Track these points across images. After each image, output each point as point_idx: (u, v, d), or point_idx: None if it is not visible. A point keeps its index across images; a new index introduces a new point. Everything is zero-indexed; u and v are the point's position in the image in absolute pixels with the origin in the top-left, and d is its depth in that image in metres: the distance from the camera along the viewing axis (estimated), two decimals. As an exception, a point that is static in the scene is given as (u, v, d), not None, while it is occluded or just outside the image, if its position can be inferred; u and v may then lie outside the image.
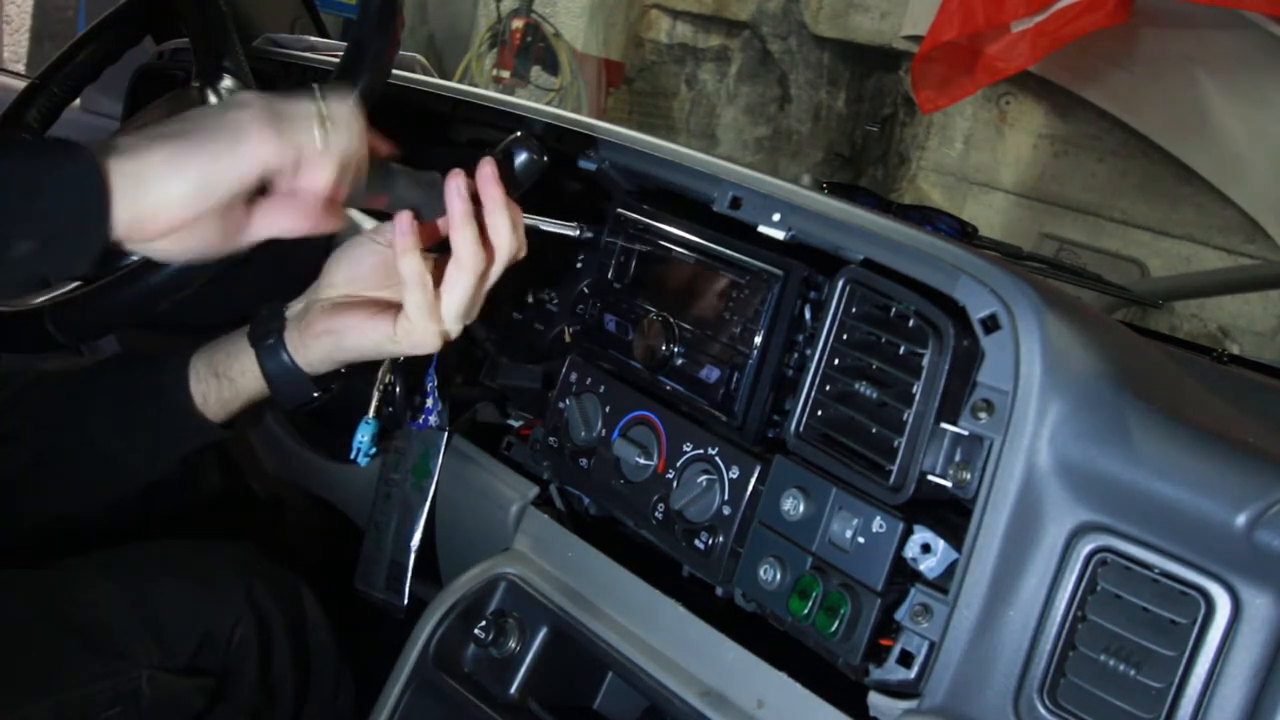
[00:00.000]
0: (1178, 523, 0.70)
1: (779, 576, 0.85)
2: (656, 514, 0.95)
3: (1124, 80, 4.23)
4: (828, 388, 0.85)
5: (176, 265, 0.97)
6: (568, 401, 1.04)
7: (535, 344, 1.19)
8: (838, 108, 5.95)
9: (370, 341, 0.91)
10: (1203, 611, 0.68)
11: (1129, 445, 0.72)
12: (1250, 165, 4.10)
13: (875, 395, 0.82)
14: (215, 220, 0.75)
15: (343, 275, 0.94)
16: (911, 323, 0.80)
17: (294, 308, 0.96)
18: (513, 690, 1.03)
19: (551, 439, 1.05)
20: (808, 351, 0.87)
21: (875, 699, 0.80)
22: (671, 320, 0.96)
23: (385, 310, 0.90)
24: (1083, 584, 0.73)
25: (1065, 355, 0.75)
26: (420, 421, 1.14)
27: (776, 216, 0.90)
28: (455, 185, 0.86)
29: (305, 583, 1.24)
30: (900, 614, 0.80)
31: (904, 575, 0.80)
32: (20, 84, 1.59)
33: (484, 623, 1.02)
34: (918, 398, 0.78)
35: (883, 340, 0.83)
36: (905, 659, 0.79)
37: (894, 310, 0.82)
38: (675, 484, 0.94)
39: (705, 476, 0.92)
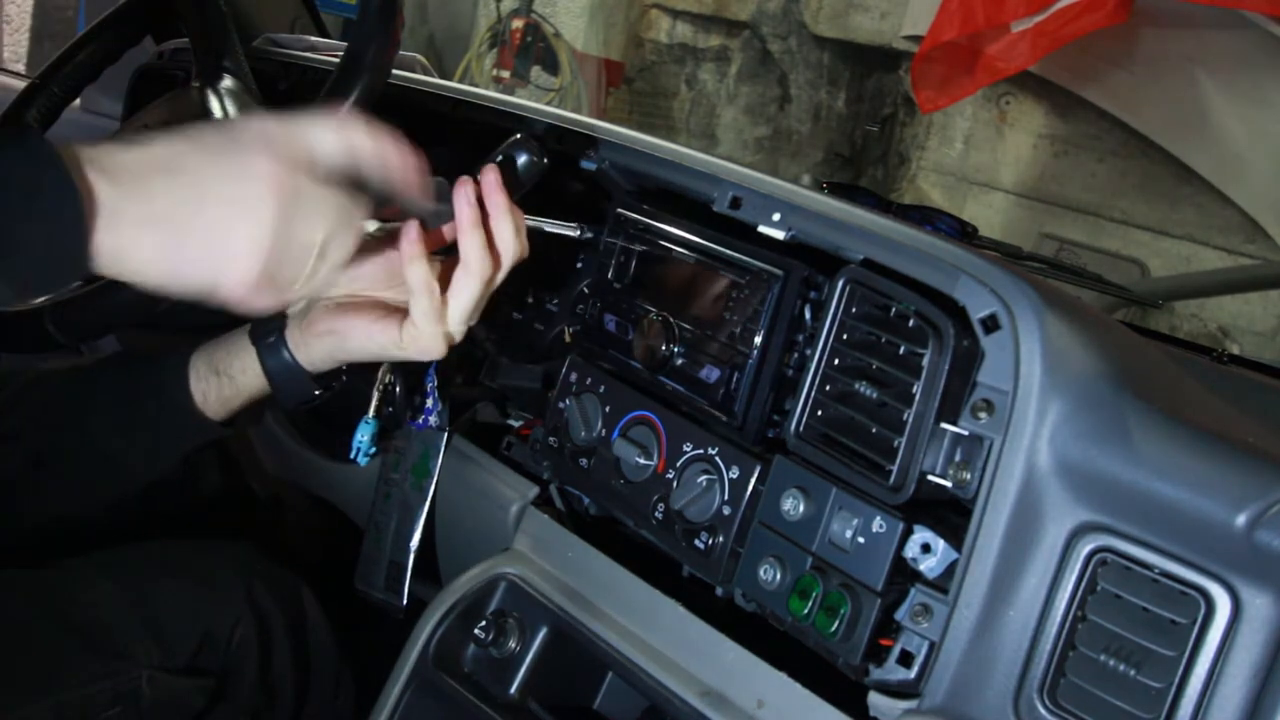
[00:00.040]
0: (1178, 523, 0.70)
1: (779, 576, 0.85)
2: (656, 514, 0.95)
3: (1124, 80, 4.23)
4: (828, 388, 0.85)
5: None
6: (568, 401, 1.04)
7: (535, 344, 1.19)
8: (838, 108, 5.95)
9: (376, 345, 0.91)
10: (1203, 611, 0.68)
11: (1129, 445, 0.72)
12: (1250, 165, 4.10)
13: (875, 395, 0.82)
14: None
15: (346, 275, 0.93)
16: (911, 323, 0.80)
17: (296, 305, 0.96)
18: (513, 690, 1.03)
19: (551, 439, 1.05)
20: (808, 351, 0.87)
21: (875, 699, 0.80)
22: (671, 320, 0.96)
23: (390, 314, 0.90)
24: (1083, 584, 0.73)
25: (1065, 355, 0.75)
26: (420, 421, 1.14)
27: (776, 216, 0.90)
28: (464, 193, 0.86)
29: (305, 583, 1.24)
30: (900, 614, 0.80)
31: (904, 575, 0.80)
32: (20, 84, 1.59)
33: (484, 623, 1.02)
34: (918, 398, 0.78)
35: (883, 340, 0.83)
36: (905, 659, 0.79)
37: (894, 310, 0.82)
38: (675, 484, 0.94)
39: (705, 476, 0.92)
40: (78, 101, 1.57)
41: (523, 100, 1.23)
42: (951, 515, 0.81)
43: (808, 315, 0.89)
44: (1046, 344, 0.74)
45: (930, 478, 0.78)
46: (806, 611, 0.82)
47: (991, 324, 0.77)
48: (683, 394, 0.95)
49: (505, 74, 5.75)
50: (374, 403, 1.06)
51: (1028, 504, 0.75)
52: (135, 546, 1.14)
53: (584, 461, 1.02)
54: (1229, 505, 0.67)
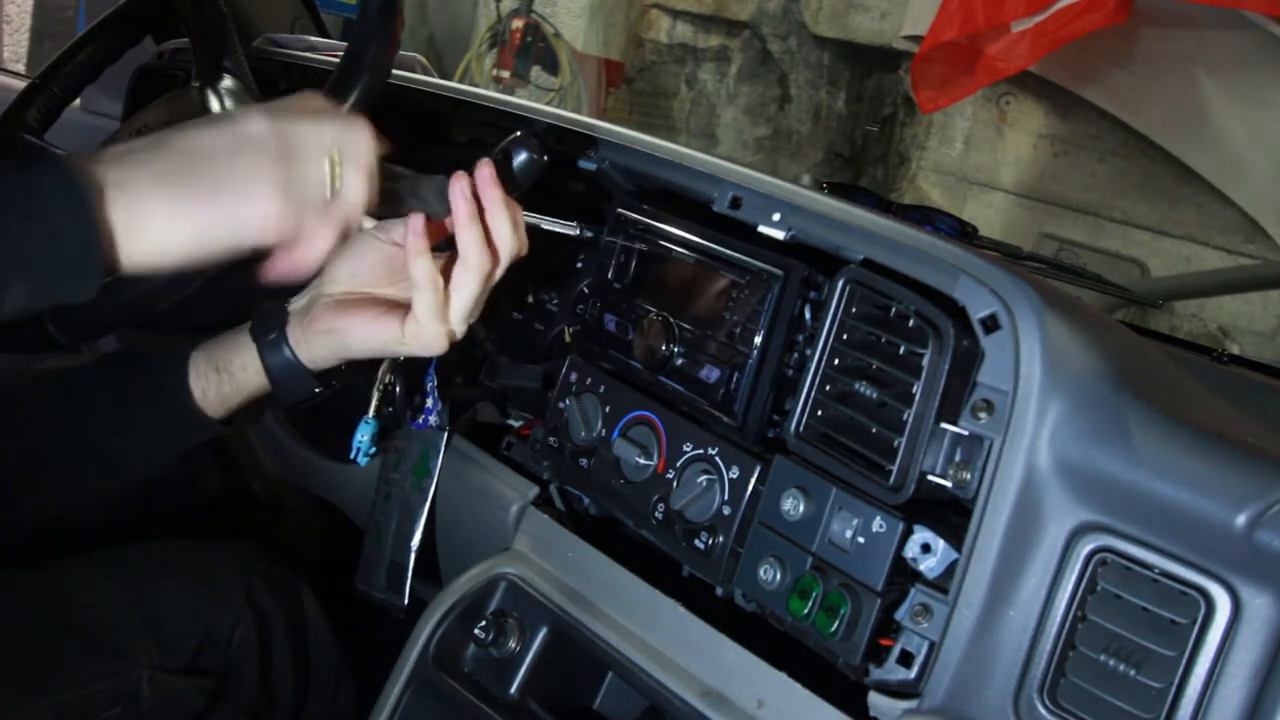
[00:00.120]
0: (1178, 523, 0.70)
1: (779, 576, 0.85)
2: (656, 514, 0.95)
3: (1124, 80, 4.23)
4: (828, 388, 0.85)
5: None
6: (568, 401, 1.04)
7: (535, 344, 1.19)
8: (838, 108, 5.95)
9: (378, 341, 0.91)
10: (1203, 611, 0.68)
11: (1129, 445, 0.72)
12: (1250, 165, 4.10)
13: (875, 395, 0.82)
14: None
15: (346, 271, 0.93)
16: (911, 323, 0.80)
17: (296, 303, 0.96)
18: (513, 690, 1.03)
19: (551, 439, 1.06)
20: (808, 351, 0.87)
21: (875, 699, 0.80)
22: (671, 320, 0.96)
23: (391, 310, 0.90)
24: (1083, 584, 0.73)
25: (1065, 355, 0.75)
26: (420, 421, 1.14)
27: (776, 216, 0.90)
28: (460, 188, 0.86)
29: (305, 583, 1.24)
30: (900, 614, 0.80)
31: (904, 575, 0.80)
32: (20, 84, 1.59)
33: (484, 623, 1.02)
34: (918, 398, 0.78)
35: (883, 340, 0.83)
36: (905, 659, 0.79)
37: (894, 310, 0.82)
38: (675, 484, 0.94)
39: (705, 476, 0.92)
40: (78, 101, 1.56)
41: (523, 100, 1.23)
42: (951, 515, 0.81)
43: (808, 315, 0.89)
44: (1046, 344, 0.74)
45: (930, 478, 0.78)
46: (806, 611, 0.82)
47: (991, 324, 0.77)
48: (683, 394, 0.95)
49: (505, 74, 5.75)
50: (374, 403, 1.06)
51: (1028, 504, 0.75)
52: (135, 546, 1.14)
53: (584, 461, 1.02)
54: (1229, 505, 0.67)
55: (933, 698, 0.77)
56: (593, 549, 1.03)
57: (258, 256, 0.81)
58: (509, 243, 0.88)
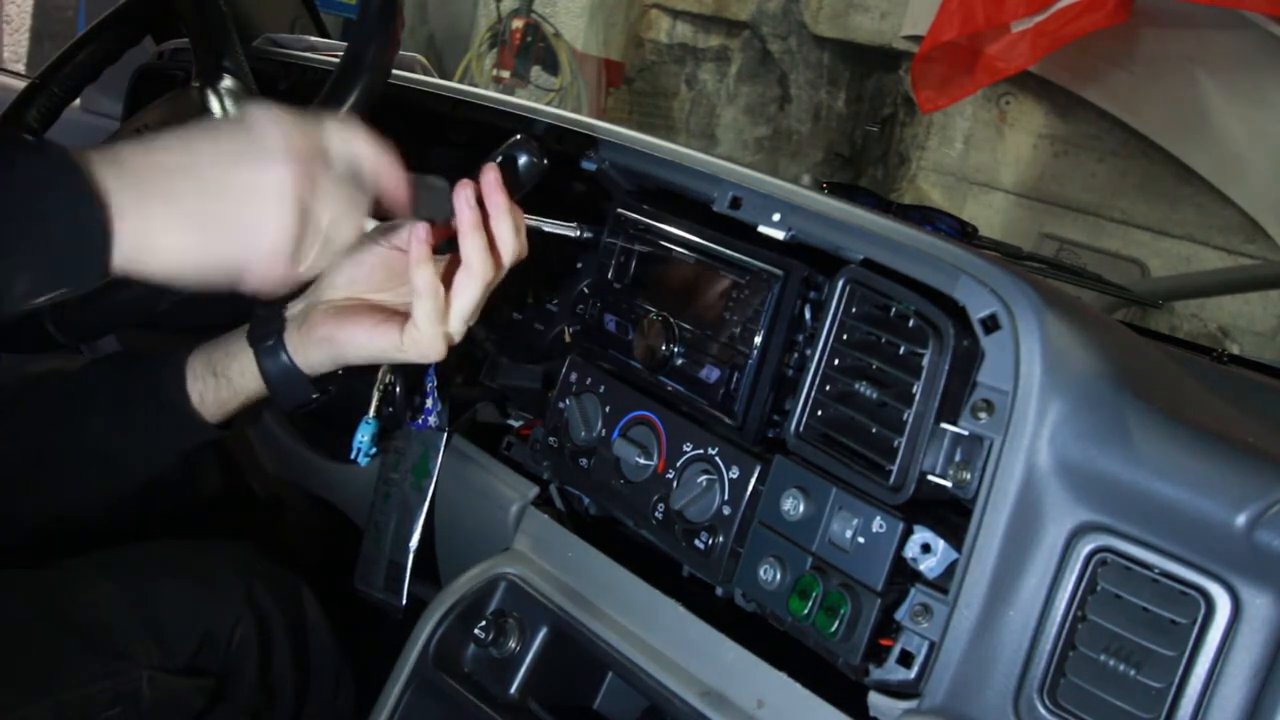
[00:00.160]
0: (1178, 523, 0.70)
1: (779, 576, 0.85)
2: (656, 514, 0.95)
3: (1124, 80, 4.23)
4: (828, 388, 0.85)
5: None
6: (568, 401, 1.04)
7: (535, 344, 1.19)
8: (838, 108, 5.95)
9: (377, 349, 0.91)
10: (1203, 611, 0.68)
11: (1129, 445, 0.72)
12: (1250, 165, 4.10)
13: (875, 395, 0.82)
14: None
15: (344, 277, 0.93)
16: (911, 323, 0.80)
17: (293, 308, 0.96)
18: (513, 690, 1.03)
19: (551, 439, 1.05)
20: (808, 351, 0.87)
21: (875, 699, 0.80)
22: (671, 320, 0.96)
23: (390, 318, 0.90)
24: (1083, 584, 0.73)
25: (1065, 355, 0.75)
26: (420, 421, 1.14)
27: (776, 216, 0.90)
28: (465, 195, 0.86)
29: (305, 583, 1.24)
30: (900, 614, 0.80)
31: (904, 575, 0.80)
32: (20, 84, 1.59)
33: (484, 623, 1.02)
34: (918, 398, 0.78)
35: (883, 340, 0.83)
36: (905, 659, 0.79)
37: (894, 310, 0.82)
38: (675, 484, 0.94)
39: (705, 476, 0.92)
40: (78, 101, 1.57)
41: (523, 100, 1.23)
42: (951, 515, 0.81)
43: (808, 315, 0.89)
44: (1046, 344, 0.74)
45: (930, 478, 0.78)
46: (806, 611, 0.82)
47: (991, 324, 0.77)
48: (683, 394, 0.95)
49: (505, 74, 5.75)
50: (374, 403, 1.06)
51: (1028, 504, 0.75)
52: (135, 546, 1.14)
53: (584, 461, 1.02)
54: (1229, 505, 0.67)
55: (933, 698, 0.77)
56: (593, 549, 1.03)
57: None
58: (511, 248, 0.88)
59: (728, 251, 0.93)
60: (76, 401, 1.02)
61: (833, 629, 0.80)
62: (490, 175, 0.87)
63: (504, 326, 1.21)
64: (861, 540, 0.81)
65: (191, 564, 1.15)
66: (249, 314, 0.98)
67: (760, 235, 0.92)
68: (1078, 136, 4.78)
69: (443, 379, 1.14)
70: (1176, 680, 0.69)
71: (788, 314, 0.88)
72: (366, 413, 1.06)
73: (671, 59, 6.36)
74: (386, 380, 1.08)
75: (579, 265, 1.15)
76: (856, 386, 0.83)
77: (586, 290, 1.10)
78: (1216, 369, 1.09)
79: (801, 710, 0.85)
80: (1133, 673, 0.70)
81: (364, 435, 1.05)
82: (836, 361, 0.85)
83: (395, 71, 1.16)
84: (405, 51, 1.43)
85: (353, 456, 1.05)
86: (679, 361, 0.95)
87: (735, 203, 0.93)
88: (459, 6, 6.36)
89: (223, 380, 0.97)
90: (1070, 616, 0.73)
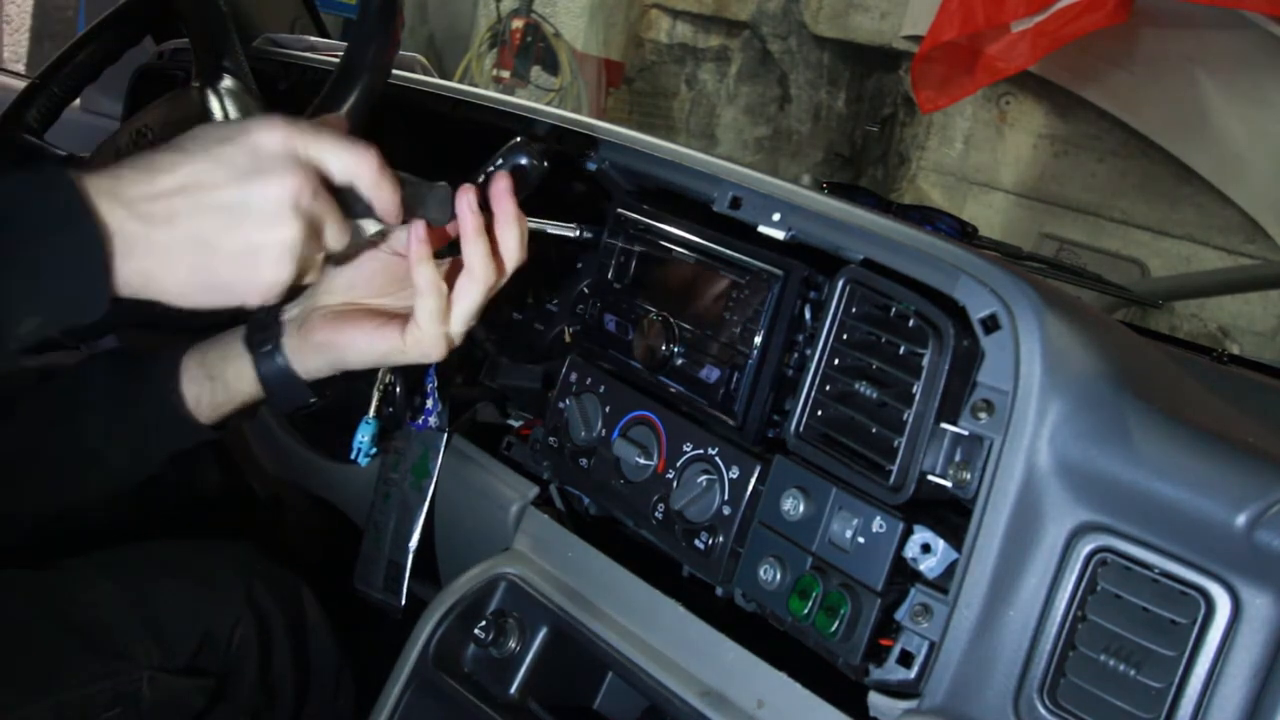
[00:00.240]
0: (1178, 523, 0.70)
1: (779, 576, 0.85)
2: (656, 514, 0.95)
3: (1124, 80, 4.24)
4: (828, 388, 0.85)
5: None
6: (568, 401, 1.04)
7: (535, 344, 1.19)
8: (838, 108, 5.95)
9: (377, 353, 0.90)
10: (1203, 611, 0.68)
11: (1129, 445, 0.72)
12: (1250, 165, 4.10)
13: (875, 395, 0.82)
14: None
15: (342, 281, 0.93)
16: (911, 323, 0.80)
17: (290, 311, 0.95)
18: (513, 690, 1.03)
19: (551, 439, 1.05)
20: (808, 351, 0.87)
21: (875, 699, 0.80)
22: (671, 320, 0.96)
23: (390, 321, 0.89)
24: (1083, 584, 0.73)
25: (1065, 355, 0.75)
26: (420, 422, 1.14)
27: (776, 216, 0.90)
28: (467, 200, 0.85)
29: (305, 583, 1.24)
30: (900, 614, 0.80)
31: (904, 575, 0.80)
32: (20, 84, 1.59)
33: (484, 623, 1.02)
34: (918, 398, 0.78)
35: (883, 340, 0.83)
36: (905, 659, 0.79)
37: (894, 310, 0.82)
38: (675, 484, 0.94)
39: (705, 476, 0.92)
40: (78, 101, 1.57)
41: (523, 100, 1.23)
42: (951, 515, 0.81)
43: (808, 315, 0.89)
44: (1046, 344, 0.74)
45: (930, 478, 0.78)
46: (806, 611, 0.82)
47: (991, 324, 0.77)
48: (683, 394, 0.95)
49: (505, 74, 5.75)
50: (374, 403, 1.06)
51: (1028, 504, 0.75)
52: (135, 546, 1.14)
53: (584, 461, 1.02)
54: (1229, 505, 0.67)
55: (933, 698, 0.77)
56: (593, 549, 1.03)
57: None
58: (515, 254, 0.88)
59: (728, 251, 0.93)
60: (73, 399, 1.02)
61: (833, 629, 0.80)
62: (502, 184, 0.87)
63: (504, 326, 1.21)
64: (861, 540, 0.81)
65: (191, 564, 1.15)
66: (247, 314, 0.97)
67: (760, 235, 0.92)
68: (1078, 136, 4.79)
69: (443, 379, 1.14)
70: (1176, 680, 0.69)
71: (788, 314, 0.88)
72: (366, 413, 1.06)
73: (671, 59, 6.36)
74: (386, 380, 1.08)
75: (579, 265, 1.15)
76: (856, 386, 0.83)
77: (586, 290, 1.10)
78: (1216, 369, 1.09)
79: (801, 710, 0.85)
80: (1133, 673, 0.70)
81: (364, 435, 1.05)
82: (836, 361, 0.85)
83: (395, 71, 1.16)
84: (405, 51, 1.43)
85: (352, 456, 1.05)
86: (679, 361, 0.95)
87: (735, 203, 0.93)
88: (459, 6, 6.36)
89: (219, 384, 0.96)
90: (1070, 616, 0.73)
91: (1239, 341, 4.23)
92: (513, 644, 1.03)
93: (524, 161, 0.92)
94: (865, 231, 0.86)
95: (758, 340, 0.89)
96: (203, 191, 0.71)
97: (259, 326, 0.95)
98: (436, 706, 1.03)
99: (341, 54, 1.08)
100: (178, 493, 1.31)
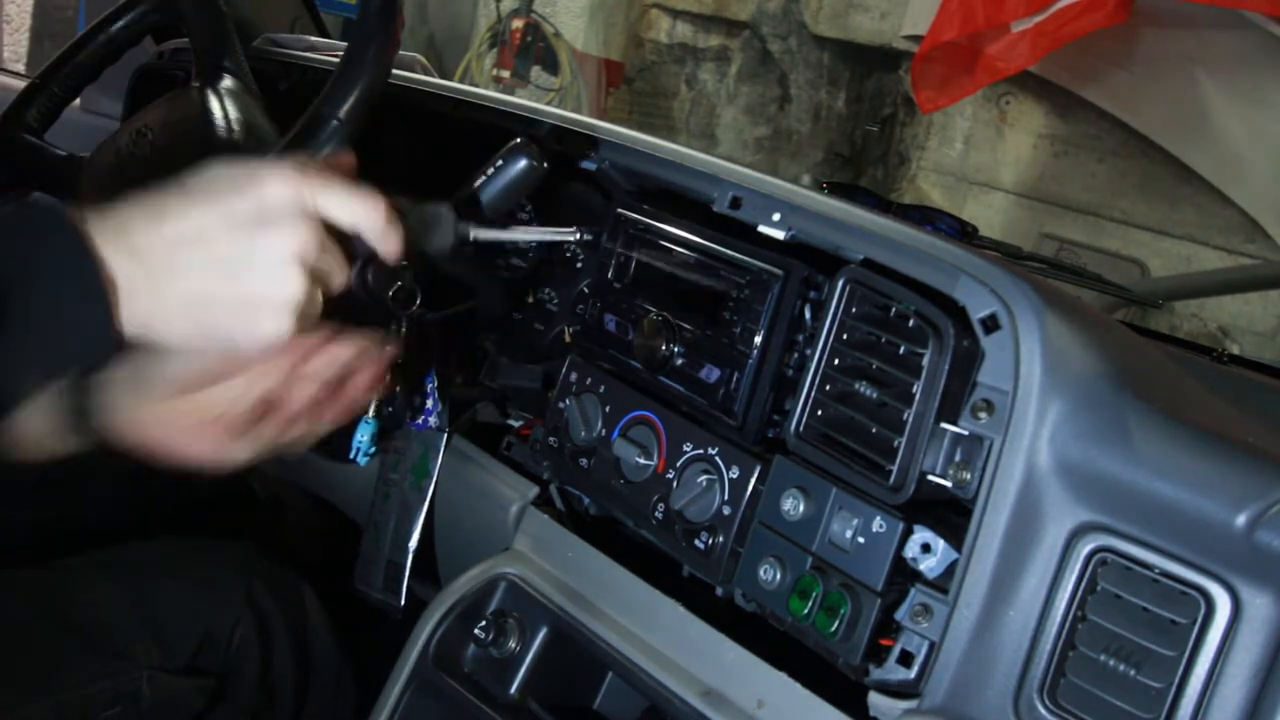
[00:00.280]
0: (1178, 523, 0.70)
1: (779, 576, 0.85)
2: (656, 514, 0.95)
3: (1124, 80, 4.24)
4: (828, 388, 0.85)
5: None
6: (568, 401, 1.04)
7: (535, 344, 1.19)
8: (838, 108, 5.95)
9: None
10: (1203, 611, 0.68)
11: (1129, 445, 0.72)
12: (1250, 165, 4.10)
13: (875, 395, 0.82)
14: None
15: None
16: (911, 323, 0.80)
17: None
18: (513, 690, 1.03)
19: (551, 439, 1.06)
20: (808, 351, 0.87)
21: (875, 699, 0.80)
22: (671, 320, 0.96)
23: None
24: (1083, 584, 0.73)
25: (1065, 355, 0.75)
26: (420, 421, 1.14)
27: (776, 216, 0.90)
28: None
29: (305, 583, 1.24)
30: (900, 614, 0.80)
31: (904, 575, 0.80)
32: (20, 84, 1.59)
33: (484, 623, 1.02)
34: (918, 398, 0.78)
35: (883, 340, 0.83)
36: (905, 659, 0.79)
37: (894, 310, 0.82)
38: (675, 484, 0.94)
39: (705, 476, 0.92)
40: (78, 101, 1.57)
41: (523, 100, 1.23)
42: (951, 515, 0.81)
43: (808, 315, 0.89)
44: (1046, 344, 0.74)
45: (930, 478, 0.78)
46: (806, 611, 0.82)
47: (991, 324, 0.77)
48: (683, 394, 0.95)
49: (505, 74, 5.75)
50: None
51: (1028, 504, 0.75)
52: (135, 546, 1.14)
53: (584, 461, 1.02)
54: (1229, 505, 0.67)
55: (933, 698, 0.77)
56: (593, 549, 1.03)
57: None
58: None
59: (728, 251, 0.93)
60: None
61: (833, 629, 0.80)
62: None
63: (504, 326, 1.21)
64: (861, 540, 0.81)
65: (191, 564, 1.15)
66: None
67: (760, 235, 0.92)
68: (1078, 136, 4.79)
69: (443, 379, 1.14)
70: (1176, 680, 0.69)
71: (788, 314, 0.88)
72: (366, 413, 1.06)
73: (671, 59, 6.36)
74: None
75: (579, 265, 1.15)
76: (856, 386, 0.83)
77: (586, 290, 1.10)
78: (1216, 369, 1.09)
79: (801, 710, 0.85)
80: (1133, 673, 0.70)
81: (363, 435, 1.05)
82: (836, 361, 0.85)
83: (395, 71, 1.16)
84: (405, 51, 1.43)
85: (352, 456, 1.05)
86: (679, 361, 0.95)
87: (735, 203, 0.93)
88: (459, 6, 6.36)
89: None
90: (1070, 616, 0.73)
91: (1239, 341, 4.23)
92: (513, 644, 1.03)
93: (523, 162, 0.92)
94: (865, 231, 0.86)
95: (758, 340, 0.89)
96: (208, 244, 0.70)
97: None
98: (436, 706, 1.03)
99: (341, 54, 1.08)
100: (178, 493, 1.31)
